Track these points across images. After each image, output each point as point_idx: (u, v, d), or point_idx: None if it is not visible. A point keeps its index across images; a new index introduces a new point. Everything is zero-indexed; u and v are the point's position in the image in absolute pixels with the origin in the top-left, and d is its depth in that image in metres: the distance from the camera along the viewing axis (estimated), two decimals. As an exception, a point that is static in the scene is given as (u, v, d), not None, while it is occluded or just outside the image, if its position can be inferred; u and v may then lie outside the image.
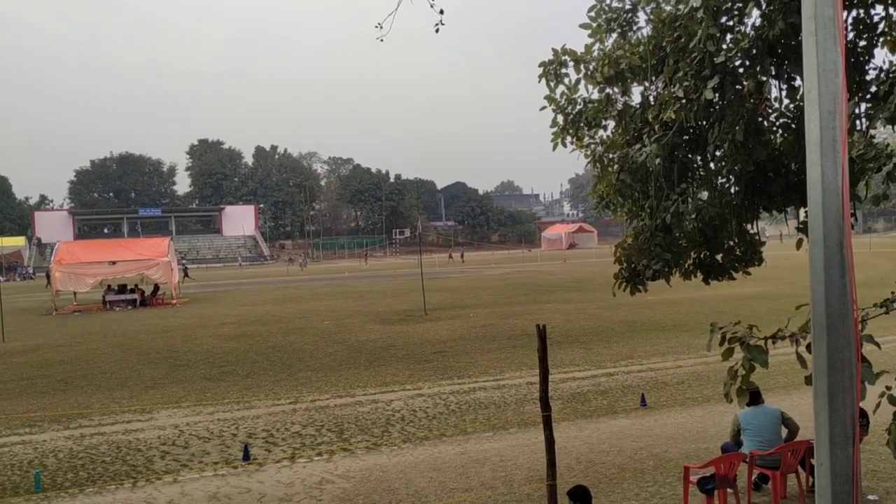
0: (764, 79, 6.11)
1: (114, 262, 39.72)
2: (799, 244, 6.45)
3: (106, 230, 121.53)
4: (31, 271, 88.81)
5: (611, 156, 7.59)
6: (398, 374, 17.28)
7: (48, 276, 44.67)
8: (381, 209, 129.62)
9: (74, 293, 40.86)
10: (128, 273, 40.60)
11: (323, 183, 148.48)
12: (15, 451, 12.10)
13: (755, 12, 6.05)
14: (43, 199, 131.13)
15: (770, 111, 6.68)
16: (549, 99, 7.62)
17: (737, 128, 6.11)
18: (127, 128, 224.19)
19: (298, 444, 11.87)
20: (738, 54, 6.06)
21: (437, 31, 7.43)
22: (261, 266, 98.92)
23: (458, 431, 12.32)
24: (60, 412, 14.64)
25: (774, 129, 6.86)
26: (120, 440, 12.55)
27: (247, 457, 11.14)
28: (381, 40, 7.65)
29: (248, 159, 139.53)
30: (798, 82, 6.22)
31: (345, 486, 9.78)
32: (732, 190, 7.24)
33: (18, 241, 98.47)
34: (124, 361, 20.83)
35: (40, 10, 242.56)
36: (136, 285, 41.54)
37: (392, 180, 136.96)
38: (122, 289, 41.04)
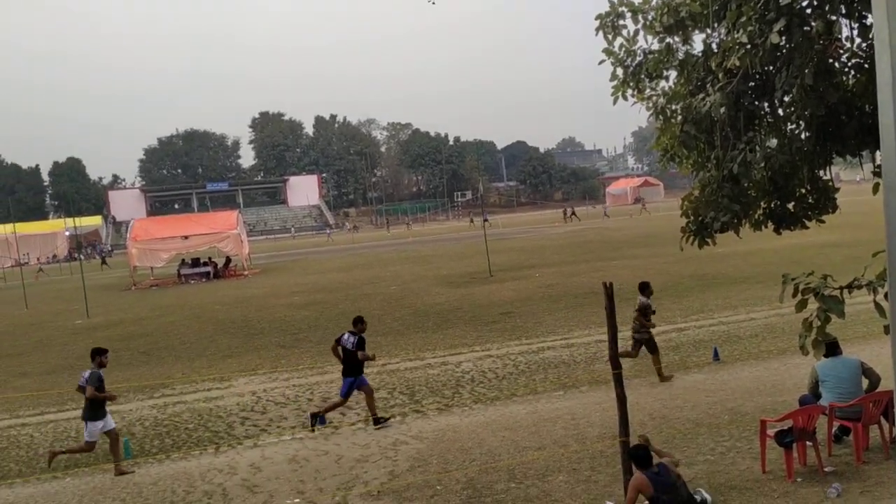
0: (833, 18, 5.83)
1: (186, 237, 40.87)
2: (875, 189, 6.20)
3: (176, 205, 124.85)
4: (109, 248, 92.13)
5: (673, 107, 7.41)
6: (466, 336, 17.42)
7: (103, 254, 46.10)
8: (441, 172, 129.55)
9: (151, 268, 42.29)
10: (200, 247, 41.76)
11: (383, 149, 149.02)
12: (105, 421, 12.71)
13: (823, -52, 5.77)
14: (115, 178, 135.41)
15: (841, 52, 6.39)
16: (608, 52, 7.46)
17: (806, 71, 5.86)
18: (190, 104, 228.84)
19: (372, 408, 12.12)
20: (806, -6, 5.80)
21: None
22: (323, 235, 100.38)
23: (529, 391, 12.39)
24: (144, 382, 15.28)
25: (846, 70, 6.57)
26: (201, 408, 13.05)
27: (322, 420, 11.44)
28: (433, 3, 7.61)
29: (309, 129, 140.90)
30: (870, 20, 5.92)
31: (419, 447, 9.97)
32: (803, 136, 6.97)
33: (96, 221, 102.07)
34: (201, 332, 21.54)
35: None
36: (209, 258, 42.71)
37: (451, 143, 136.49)
38: (196, 262, 42.27)
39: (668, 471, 6.50)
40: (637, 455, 6.65)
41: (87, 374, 10.26)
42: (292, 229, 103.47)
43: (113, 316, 27.40)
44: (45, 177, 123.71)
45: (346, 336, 11.26)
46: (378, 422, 11.01)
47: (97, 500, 9.18)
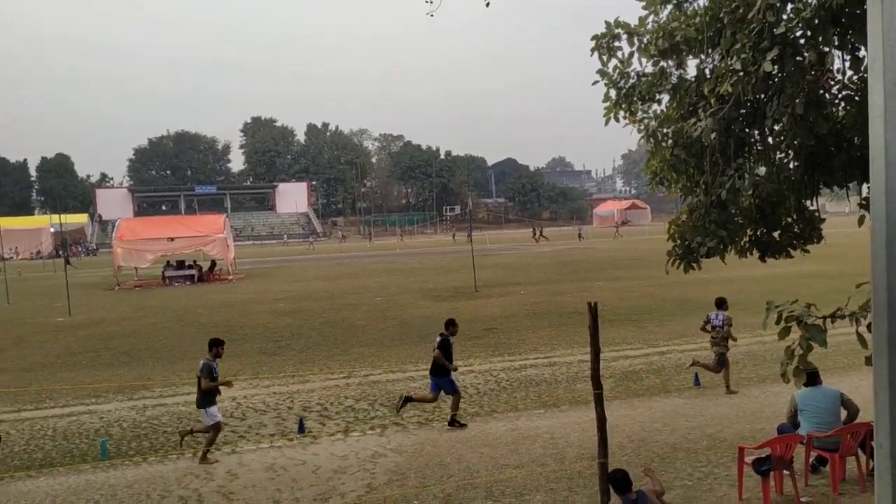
0: (826, 49, 5.90)
1: (172, 239, 40.66)
2: (861, 221, 6.26)
3: (164, 207, 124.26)
4: (94, 247, 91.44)
5: (665, 130, 7.46)
6: (449, 351, 17.37)
7: None
8: (431, 186, 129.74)
9: (135, 269, 42.01)
10: (186, 249, 41.56)
11: (374, 160, 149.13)
12: (82, 421, 12.59)
13: (818, -20, 5.84)
14: (104, 176, 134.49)
15: (832, 83, 6.46)
16: (602, 73, 7.50)
17: (797, 101, 5.92)
18: (182, 111, 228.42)
19: (352, 418, 12.08)
20: (800, 24, 5.86)
21: (487, 4, 7.39)
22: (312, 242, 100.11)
23: (510, 408, 12.37)
24: (124, 383, 15.15)
25: (836, 101, 6.64)
26: (181, 411, 12.94)
27: (302, 429, 11.38)
28: (432, 15, 7.65)
29: (301, 137, 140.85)
30: (862, 53, 6.00)
31: (397, 460, 9.93)
32: (791, 165, 7.04)
33: (81, 218, 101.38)
34: (184, 335, 21.40)
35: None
36: (194, 261, 42.48)
37: (442, 157, 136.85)
38: (181, 265, 42.03)
39: (645, 499, 6.50)
40: (616, 479, 6.65)
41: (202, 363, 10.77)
42: (285, 236, 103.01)
43: (95, 315, 27.18)
44: (33, 172, 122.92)
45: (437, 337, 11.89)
46: (453, 423, 11.44)
47: (70, 500, 9.08)
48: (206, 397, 10.46)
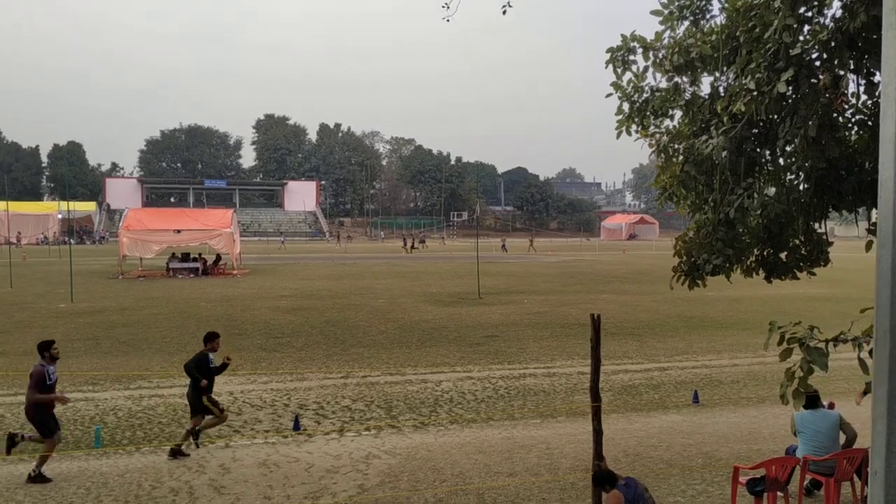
0: (842, 73, 5.87)
1: (179, 231, 40.71)
2: (868, 246, 6.22)
3: (172, 199, 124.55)
4: (104, 235, 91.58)
5: (676, 146, 7.43)
6: (449, 356, 17.36)
7: None
8: (440, 191, 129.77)
9: (140, 259, 42.08)
10: (192, 242, 41.61)
11: (384, 162, 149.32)
12: (78, 408, 12.60)
13: (836, 3, 5.82)
14: (114, 166, 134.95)
15: (846, 107, 6.42)
16: (616, 86, 7.48)
17: (810, 123, 5.88)
18: (196, 101, 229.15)
19: (347, 418, 12.06)
20: (816, 47, 5.84)
21: (504, 12, 7.40)
22: (317, 242, 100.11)
23: (506, 416, 12.34)
24: (122, 372, 15.17)
25: (849, 125, 6.60)
26: (176, 403, 12.94)
27: (297, 427, 11.37)
28: (448, 20, 7.66)
29: (313, 136, 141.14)
30: (877, 77, 5.97)
31: (390, 462, 9.90)
32: (801, 187, 7.00)
33: (89, 206, 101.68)
34: (184, 327, 21.41)
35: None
36: (199, 254, 42.55)
37: (453, 163, 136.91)
38: (186, 257, 42.09)
39: (636, 483, 6.53)
40: (603, 477, 6.67)
41: None
42: (282, 237, 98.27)
43: (97, 303, 27.23)
44: (45, 158, 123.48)
45: None
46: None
47: (62, 486, 9.08)
48: None
